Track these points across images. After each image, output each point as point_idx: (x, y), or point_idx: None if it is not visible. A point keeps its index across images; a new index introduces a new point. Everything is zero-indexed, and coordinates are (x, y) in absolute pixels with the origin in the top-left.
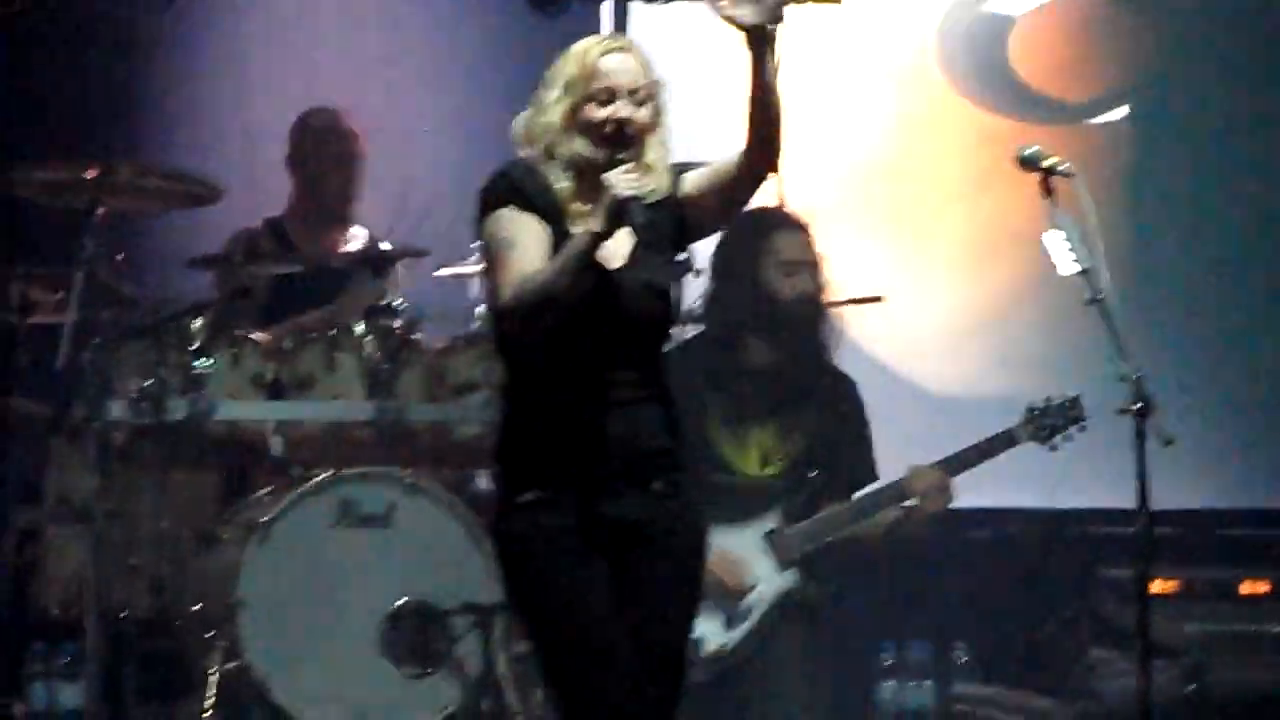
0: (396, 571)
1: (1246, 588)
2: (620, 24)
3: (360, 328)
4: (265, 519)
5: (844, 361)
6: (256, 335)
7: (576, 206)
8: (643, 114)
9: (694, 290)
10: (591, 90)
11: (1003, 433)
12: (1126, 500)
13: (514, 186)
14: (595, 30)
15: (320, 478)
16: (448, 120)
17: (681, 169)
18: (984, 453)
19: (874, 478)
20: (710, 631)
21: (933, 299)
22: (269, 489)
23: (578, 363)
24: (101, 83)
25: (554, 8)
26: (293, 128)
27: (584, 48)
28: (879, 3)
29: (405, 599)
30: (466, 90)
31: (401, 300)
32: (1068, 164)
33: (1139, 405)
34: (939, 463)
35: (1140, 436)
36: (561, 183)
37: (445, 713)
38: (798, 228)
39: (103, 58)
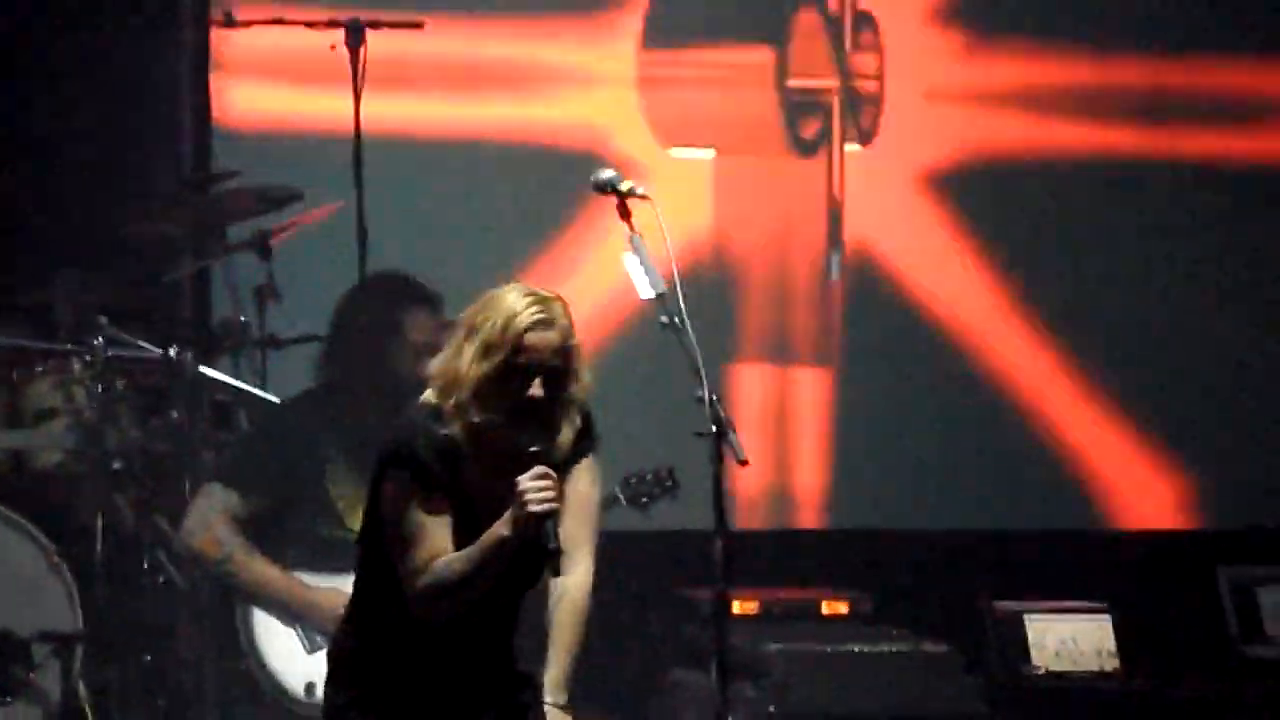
0: None
1: (826, 608)
2: None
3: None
4: None
5: None
6: None
7: (481, 474)
8: (561, 390)
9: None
10: (513, 363)
11: (606, 497)
12: (707, 522)
13: (422, 468)
14: None
15: None
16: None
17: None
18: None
19: None
20: (321, 676)
21: None
22: None
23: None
24: None
25: None
26: None
27: (509, 311)
28: None
29: None
30: None
31: None
32: (643, 188)
33: (714, 428)
34: None
35: (716, 458)
36: (464, 442)
37: None
38: (428, 306)
39: None
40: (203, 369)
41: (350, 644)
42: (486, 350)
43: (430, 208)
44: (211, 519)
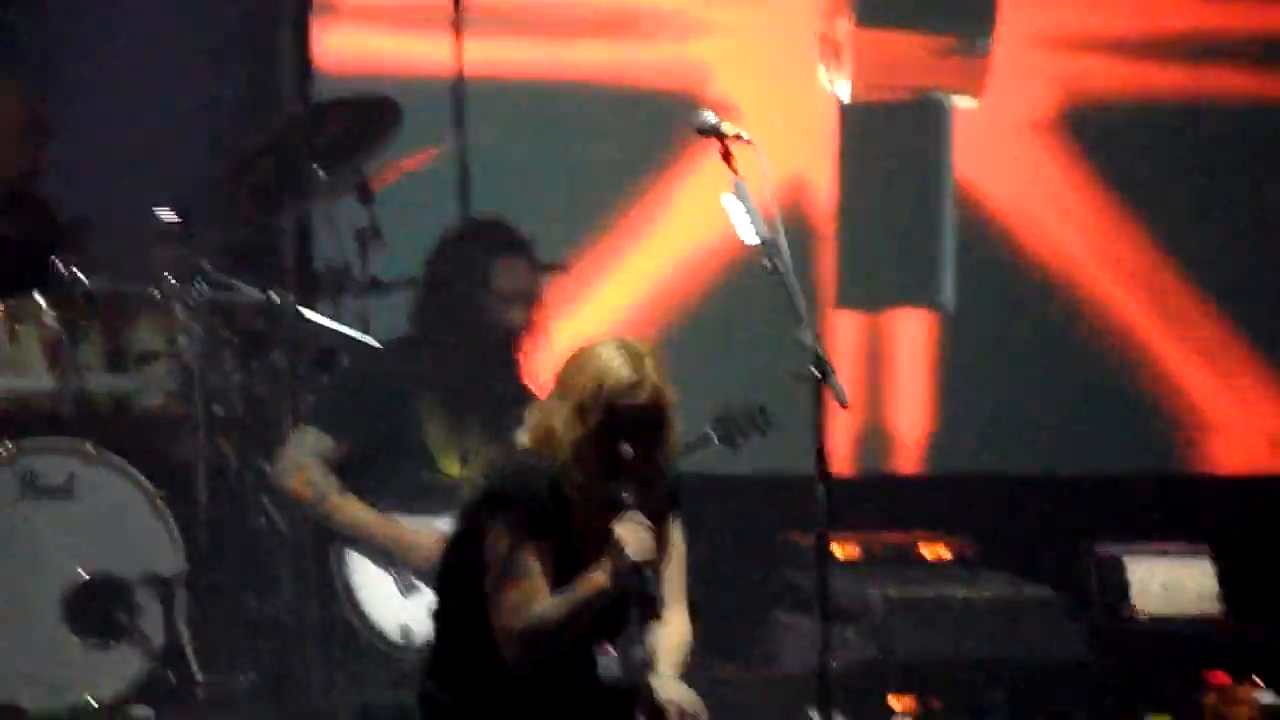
0: (78, 543)
1: (928, 552)
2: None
3: (41, 299)
4: None
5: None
6: None
7: (580, 523)
8: (654, 447)
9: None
10: (605, 426)
11: (697, 436)
12: (807, 467)
13: (533, 510)
14: None
15: (2, 451)
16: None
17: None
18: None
19: None
20: (418, 620)
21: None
22: None
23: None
24: None
25: None
26: None
27: (600, 375)
28: None
29: (88, 570)
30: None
31: (82, 271)
32: (745, 132)
33: (816, 371)
34: None
35: (818, 402)
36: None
37: (130, 683)
38: (518, 255)
39: None
40: (304, 312)
41: (446, 698)
42: (580, 413)
43: (530, 151)
44: (304, 462)
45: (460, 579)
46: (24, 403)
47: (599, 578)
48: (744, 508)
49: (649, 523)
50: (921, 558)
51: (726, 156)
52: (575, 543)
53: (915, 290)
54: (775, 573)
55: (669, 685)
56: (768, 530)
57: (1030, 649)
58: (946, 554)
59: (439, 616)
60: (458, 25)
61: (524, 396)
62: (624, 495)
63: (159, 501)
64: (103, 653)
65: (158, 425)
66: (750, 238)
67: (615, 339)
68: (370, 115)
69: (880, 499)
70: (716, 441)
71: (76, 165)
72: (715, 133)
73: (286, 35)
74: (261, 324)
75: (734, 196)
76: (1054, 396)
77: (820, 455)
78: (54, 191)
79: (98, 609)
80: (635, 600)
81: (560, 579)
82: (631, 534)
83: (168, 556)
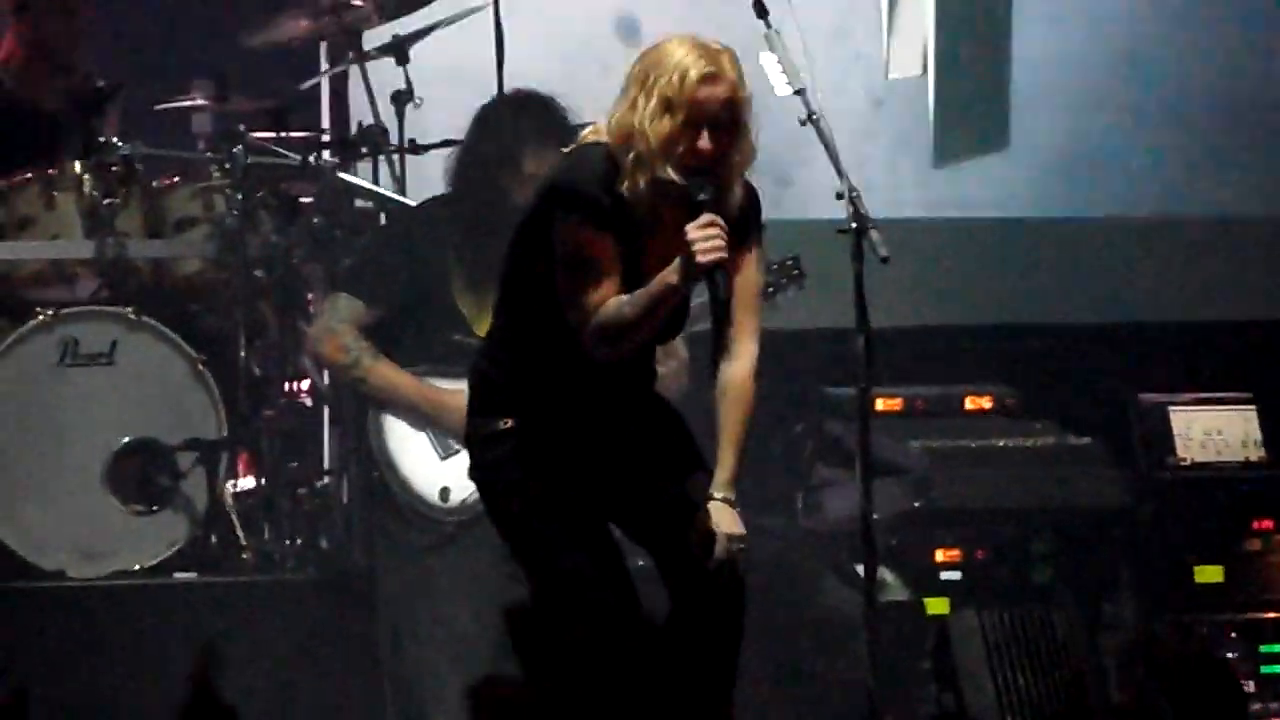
0: (120, 409)
1: (970, 403)
2: None
3: (78, 166)
4: None
5: None
6: None
7: (643, 211)
8: (731, 144)
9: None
10: (687, 118)
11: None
12: (847, 320)
13: (595, 203)
14: None
15: (41, 317)
16: None
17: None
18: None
19: None
20: (456, 481)
21: None
22: None
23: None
24: None
25: None
26: None
27: (682, 65)
28: None
29: (129, 436)
30: None
31: (119, 138)
32: None
33: (855, 224)
34: None
35: (857, 255)
36: (639, 185)
37: (173, 548)
38: (548, 140)
39: None
40: (342, 175)
41: (499, 378)
42: (665, 105)
43: (565, 11)
44: (337, 326)
45: (528, 262)
46: (63, 270)
47: (671, 276)
48: (784, 362)
49: (720, 221)
50: (963, 409)
51: (760, 11)
52: (642, 238)
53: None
54: (817, 426)
55: (723, 516)
56: (809, 384)
57: (1074, 497)
58: (988, 404)
59: (503, 297)
60: None
61: None
62: (701, 195)
63: (200, 367)
64: (146, 518)
65: (197, 291)
66: (783, 89)
67: (689, 36)
68: None
69: (921, 351)
70: None
71: (112, 32)
72: None
73: None
74: (299, 186)
75: (768, 50)
76: (1097, 245)
77: (860, 308)
78: (90, 58)
79: (140, 475)
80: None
81: (629, 281)
82: (704, 234)
83: (209, 422)
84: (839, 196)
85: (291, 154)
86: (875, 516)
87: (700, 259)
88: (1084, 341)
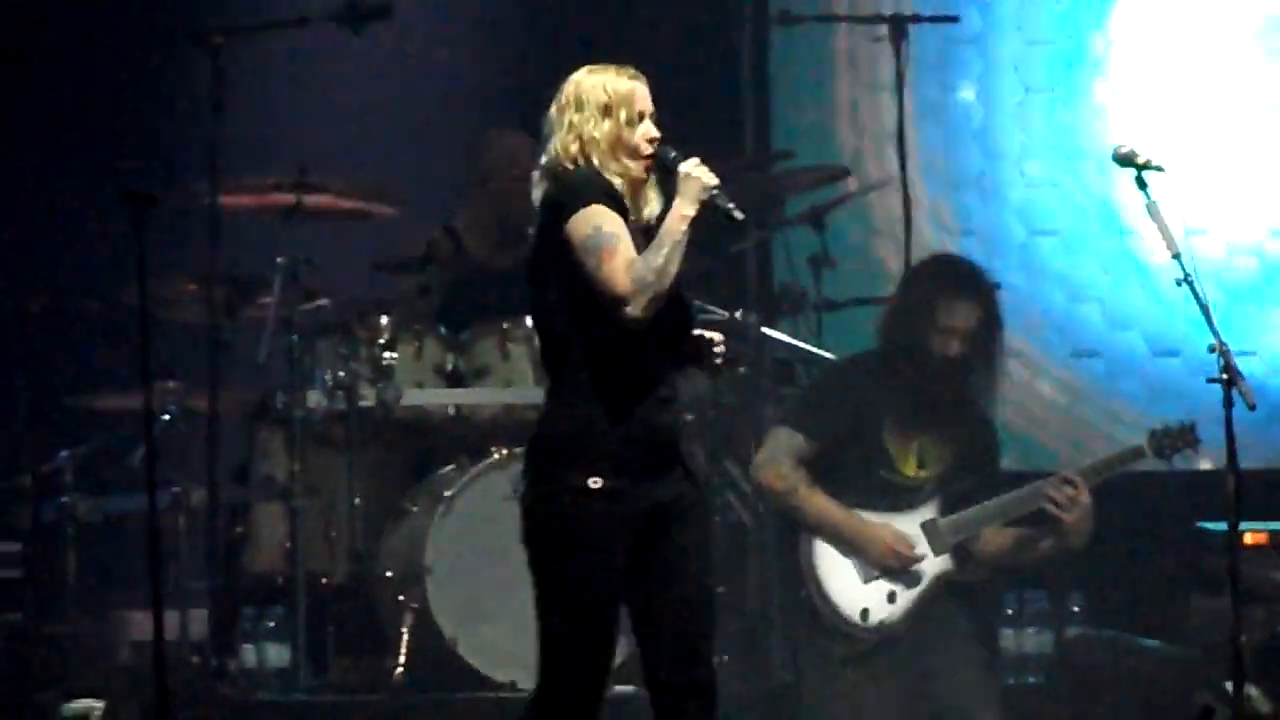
0: None
1: None
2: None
3: (530, 322)
4: (449, 493)
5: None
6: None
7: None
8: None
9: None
10: (628, 114)
11: (1130, 449)
12: (1218, 461)
13: (601, 187)
14: None
15: (496, 456)
16: None
17: None
18: (1111, 465)
19: (1003, 484)
20: (875, 604)
21: None
22: (451, 466)
23: (637, 363)
24: (290, 104)
25: None
26: (480, 147)
27: (602, 76)
28: None
29: None
30: None
31: None
32: (1157, 161)
33: (1225, 375)
34: (1075, 472)
35: (1227, 403)
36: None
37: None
38: (961, 295)
39: (294, 82)
40: (765, 330)
41: (568, 428)
42: (604, 110)
43: (965, 177)
44: (778, 457)
45: (544, 292)
46: (514, 413)
47: (681, 207)
48: (1161, 500)
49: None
50: None
51: (1141, 183)
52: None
53: None
54: (1190, 558)
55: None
56: (1183, 520)
57: None
58: None
59: (544, 353)
60: (900, 71)
61: (966, 413)
62: (673, 154)
63: None
64: None
65: None
66: (1165, 251)
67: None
68: (824, 178)
69: None
70: (1150, 454)
71: None
72: (1130, 163)
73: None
74: (729, 342)
75: (1150, 218)
76: None
77: (1230, 450)
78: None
79: None
80: (718, 216)
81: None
82: (696, 167)
83: None
84: (1211, 350)
85: (720, 310)
86: (1243, 638)
87: (706, 181)
88: None
